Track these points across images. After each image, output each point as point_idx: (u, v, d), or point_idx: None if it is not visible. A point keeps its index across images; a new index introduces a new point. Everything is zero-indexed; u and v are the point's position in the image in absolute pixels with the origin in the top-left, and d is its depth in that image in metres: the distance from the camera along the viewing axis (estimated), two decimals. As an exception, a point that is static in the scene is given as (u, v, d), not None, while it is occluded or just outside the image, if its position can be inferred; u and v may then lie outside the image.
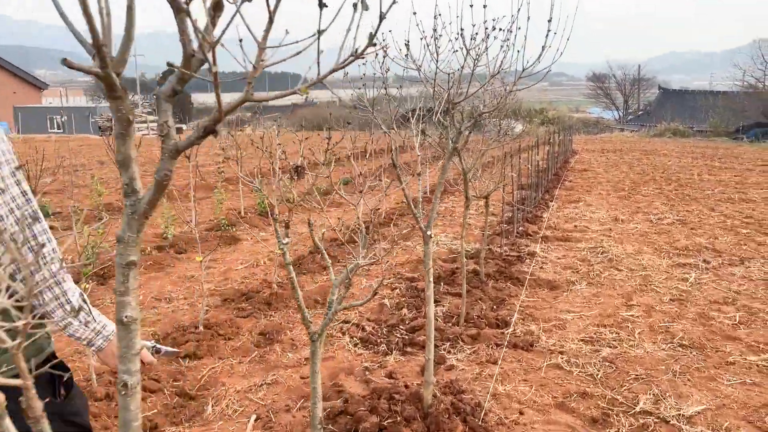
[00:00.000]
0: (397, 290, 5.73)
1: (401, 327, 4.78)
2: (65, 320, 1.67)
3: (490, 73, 2.93)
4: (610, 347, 4.41)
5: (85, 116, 46.54)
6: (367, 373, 4.02)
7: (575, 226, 8.72)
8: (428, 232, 3.20)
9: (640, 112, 59.11)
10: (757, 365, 4.10)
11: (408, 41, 3.11)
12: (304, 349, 4.39)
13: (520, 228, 8.27)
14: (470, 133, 4.34)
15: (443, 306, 5.27)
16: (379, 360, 4.22)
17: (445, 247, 7.58)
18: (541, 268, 6.54)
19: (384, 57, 2.97)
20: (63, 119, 46.38)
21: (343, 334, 4.69)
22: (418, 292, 5.65)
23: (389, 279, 6.10)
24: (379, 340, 4.51)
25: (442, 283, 5.86)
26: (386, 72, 3.12)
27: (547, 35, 2.93)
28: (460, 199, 10.73)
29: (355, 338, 4.58)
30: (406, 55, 2.97)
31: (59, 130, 46.71)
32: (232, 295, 5.62)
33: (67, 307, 1.65)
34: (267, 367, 4.13)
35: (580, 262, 6.72)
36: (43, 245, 1.59)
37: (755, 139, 39.61)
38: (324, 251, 2.28)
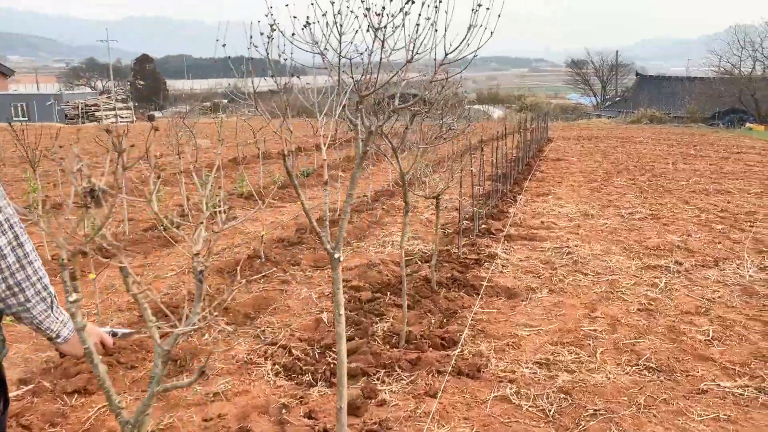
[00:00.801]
0: (338, 302, 5.13)
1: (335, 349, 4.19)
2: (46, 312, 1.74)
3: (406, 59, 2.33)
4: (568, 372, 3.88)
5: (50, 103, 44.96)
6: (284, 411, 3.43)
7: (542, 222, 8.20)
8: (336, 255, 2.61)
9: (618, 98, 59.03)
10: (733, 394, 3.60)
11: (309, 20, 2.49)
12: (215, 381, 3.79)
13: (482, 226, 7.72)
14: (407, 129, 3.76)
15: (386, 321, 4.70)
16: (302, 394, 3.64)
17: (399, 248, 6.99)
18: (501, 272, 5.99)
19: (269, 38, 2.36)
20: (21, 105, 44.81)
21: (266, 359, 4.09)
22: (362, 304, 5.08)
23: (329, 290, 5.51)
24: (305, 368, 3.92)
25: (388, 293, 5.29)
26: (282, 56, 2.51)
27: (476, 11, 2.34)
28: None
29: (278, 365, 3.99)
30: (293, 34, 2.35)
31: (24, 118, 45.13)
32: (150, 310, 4.97)
33: (48, 300, 1.73)
34: (166, 405, 3.52)
35: (543, 265, 6.19)
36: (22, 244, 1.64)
37: (731, 125, 39.68)
38: (146, 309, 1.67)
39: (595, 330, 4.56)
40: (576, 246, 6.83)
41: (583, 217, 8.52)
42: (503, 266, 6.17)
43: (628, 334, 4.50)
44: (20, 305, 1.66)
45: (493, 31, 2.25)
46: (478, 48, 2.26)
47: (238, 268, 6.16)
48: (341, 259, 2.63)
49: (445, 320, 4.80)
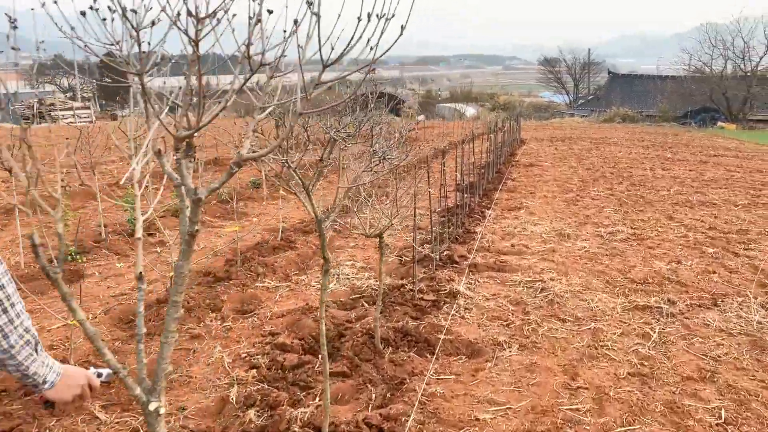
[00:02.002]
0: (256, 370, 4.07)
1: (235, 452, 3.13)
2: (31, 357, 1.63)
3: (245, 72, 1.28)
4: (544, 487, 2.88)
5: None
6: None
7: (512, 245, 7.22)
8: (153, 405, 1.54)
9: (590, 97, 58.85)
10: None
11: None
12: None
13: (445, 252, 6.71)
14: (321, 162, 2.73)
15: (311, 401, 3.64)
16: None
17: (347, 281, 5.95)
18: (463, 318, 4.98)
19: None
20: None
21: (138, 472, 3.01)
22: (285, 372, 4.02)
23: (249, 348, 4.43)
24: (185, 490, 2.85)
25: (318, 356, 4.23)
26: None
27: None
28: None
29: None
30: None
31: (-24, 118, 42.84)
32: None
33: (33, 344, 1.64)
34: None
35: (513, 307, 5.20)
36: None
37: (703, 124, 39.53)
38: None
39: (578, 409, 3.57)
40: (551, 279, 5.86)
41: (558, 238, 7.57)
42: (466, 309, 5.17)
43: (620, 415, 3.52)
44: (4, 352, 1.56)
45: (405, 24, 1.21)
46: (379, 55, 1.23)
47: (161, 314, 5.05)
48: (162, 410, 1.56)
49: (389, 395, 3.77)
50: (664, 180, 12.54)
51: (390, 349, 4.32)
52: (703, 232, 7.85)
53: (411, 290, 5.53)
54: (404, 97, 54.96)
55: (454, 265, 6.39)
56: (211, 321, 4.92)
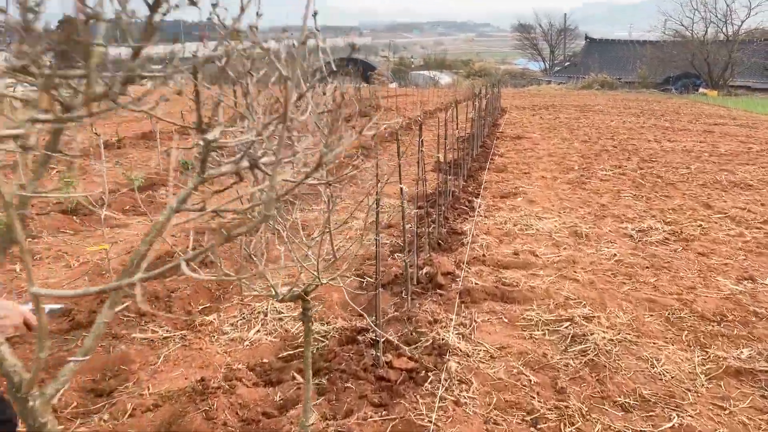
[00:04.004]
0: None
1: None
2: None
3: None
4: None
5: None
6: None
7: (515, 252, 5.27)
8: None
9: (567, 63, 57.01)
10: None
11: None
12: None
13: (424, 268, 4.72)
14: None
15: None
16: None
17: (278, 326, 3.93)
18: (458, 402, 3.01)
19: None
20: None
21: None
22: None
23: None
24: None
25: None
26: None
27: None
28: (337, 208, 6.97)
29: None
30: None
31: None
32: None
33: None
34: None
35: (534, 377, 3.25)
36: None
37: (684, 90, 38.01)
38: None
39: None
40: (584, 318, 3.92)
41: (574, 240, 5.64)
42: (461, 382, 3.19)
43: None
44: None
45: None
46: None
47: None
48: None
49: None
50: (676, 154, 10.70)
51: (330, 498, 2.34)
52: (758, 227, 6.01)
53: (373, 342, 3.54)
54: (375, 63, 52.32)
55: (438, 290, 4.41)
56: (30, 422, 2.86)
